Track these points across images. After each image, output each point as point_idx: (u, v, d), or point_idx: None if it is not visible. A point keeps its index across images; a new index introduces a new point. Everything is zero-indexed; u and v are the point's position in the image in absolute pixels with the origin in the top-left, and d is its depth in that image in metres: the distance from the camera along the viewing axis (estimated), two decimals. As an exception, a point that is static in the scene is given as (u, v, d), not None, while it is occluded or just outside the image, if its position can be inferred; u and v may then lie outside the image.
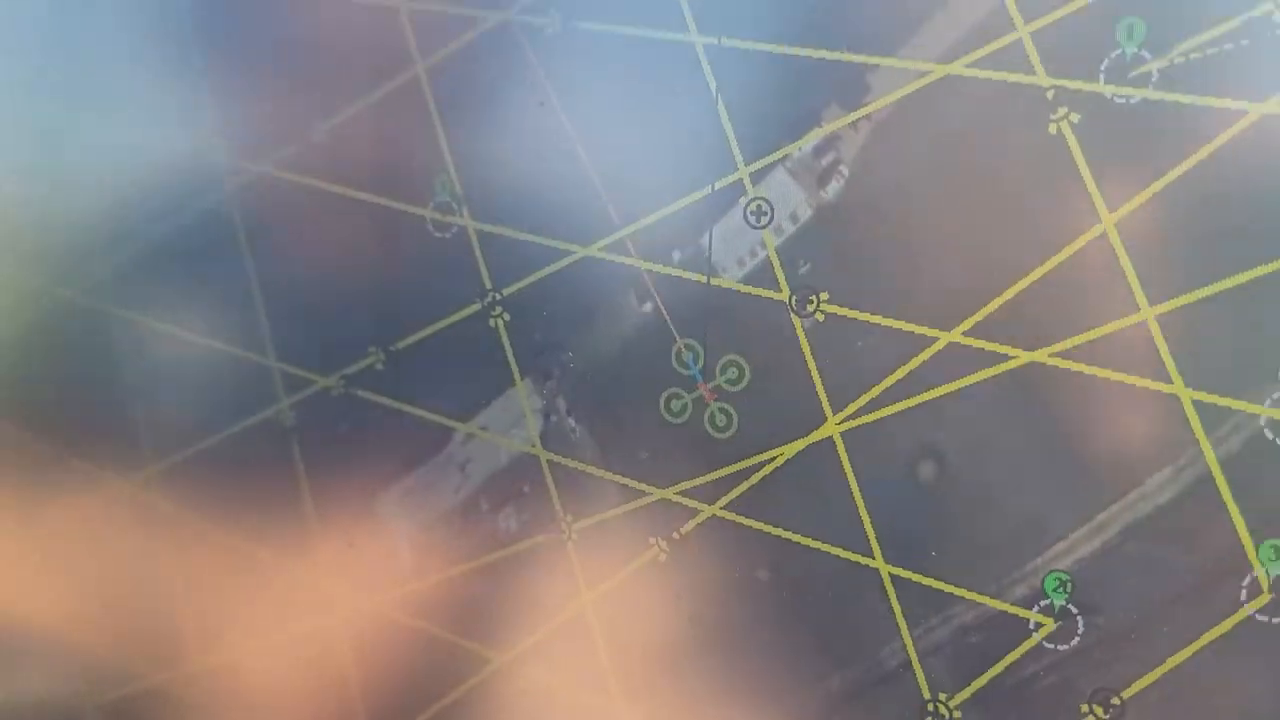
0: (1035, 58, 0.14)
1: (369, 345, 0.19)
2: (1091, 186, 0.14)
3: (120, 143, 0.21)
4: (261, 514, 0.20)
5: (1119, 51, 0.14)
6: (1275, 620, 0.13)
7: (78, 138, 0.21)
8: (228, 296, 0.20)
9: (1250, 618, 0.13)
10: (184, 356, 0.20)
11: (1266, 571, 0.13)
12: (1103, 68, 0.14)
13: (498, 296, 0.18)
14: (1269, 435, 0.13)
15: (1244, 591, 0.13)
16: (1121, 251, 0.14)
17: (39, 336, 0.22)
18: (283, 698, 0.20)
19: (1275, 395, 0.13)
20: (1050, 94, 0.14)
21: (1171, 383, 0.13)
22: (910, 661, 0.15)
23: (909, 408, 0.15)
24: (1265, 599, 0.13)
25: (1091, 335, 0.14)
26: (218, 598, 0.21)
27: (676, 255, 0.16)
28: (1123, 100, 0.14)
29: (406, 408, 0.19)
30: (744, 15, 0.16)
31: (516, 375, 0.17)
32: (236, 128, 0.20)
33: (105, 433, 0.21)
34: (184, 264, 0.20)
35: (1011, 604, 0.15)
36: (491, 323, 0.18)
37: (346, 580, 0.19)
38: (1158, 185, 0.13)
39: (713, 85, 0.16)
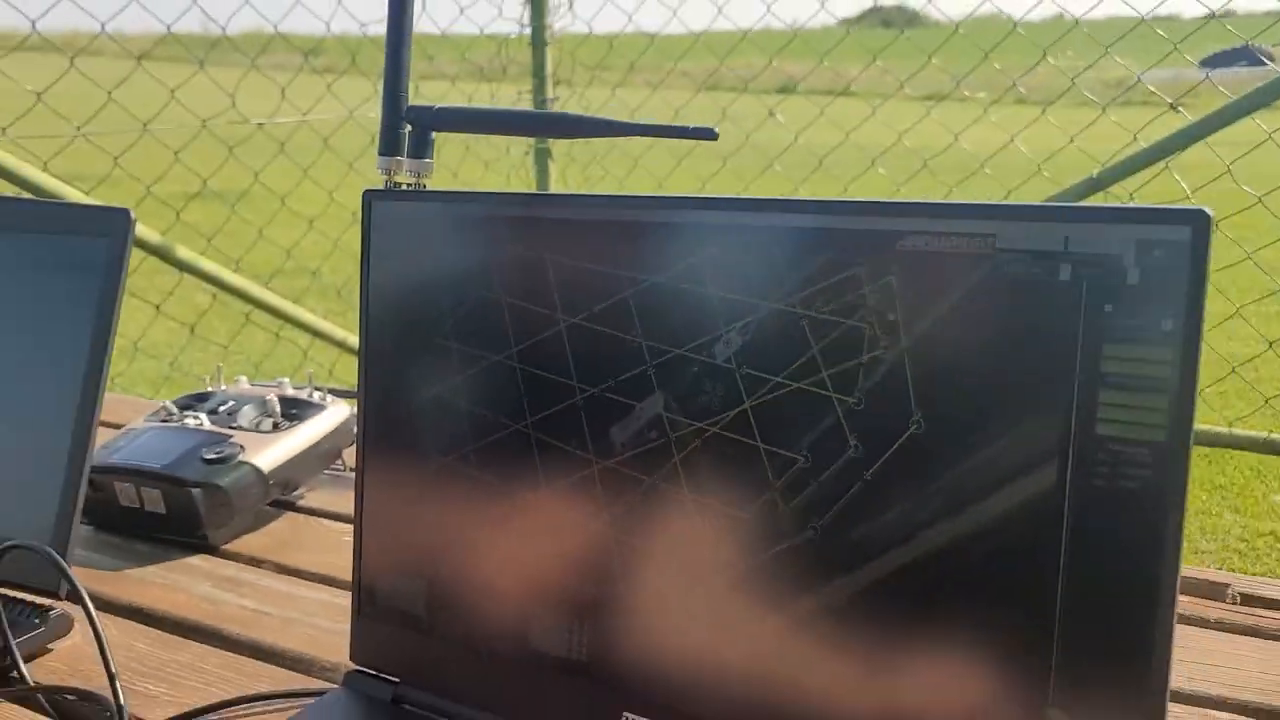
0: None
1: (608, 382, 0.58)
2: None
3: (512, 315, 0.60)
4: (558, 446, 0.59)
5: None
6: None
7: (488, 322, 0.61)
8: (556, 385, 0.59)
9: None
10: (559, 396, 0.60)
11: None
12: (814, 308, 0.51)
13: (653, 364, 0.56)
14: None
15: (851, 450, 0.51)
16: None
17: (462, 379, 0.61)
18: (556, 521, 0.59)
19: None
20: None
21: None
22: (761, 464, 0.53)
23: (765, 402, 0.52)
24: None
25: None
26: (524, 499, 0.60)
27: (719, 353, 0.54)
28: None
29: (625, 400, 0.57)
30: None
31: (656, 389, 0.56)
32: (569, 295, 0.59)
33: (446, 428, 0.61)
34: (544, 361, 0.59)
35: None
36: (649, 373, 0.56)
37: (594, 454, 0.58)
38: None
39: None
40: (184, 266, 2.22)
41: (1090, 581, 0.45)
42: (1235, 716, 0.66)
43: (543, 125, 0.70)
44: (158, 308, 2.36)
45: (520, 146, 3.15)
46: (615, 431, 0.57)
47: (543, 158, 3.11)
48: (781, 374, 0.52)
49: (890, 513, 0.50)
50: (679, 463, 0.55)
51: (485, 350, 0.62)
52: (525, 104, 3.16)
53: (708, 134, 0.56)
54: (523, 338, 0.60)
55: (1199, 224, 0.43)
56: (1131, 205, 0.43)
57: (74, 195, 1.96)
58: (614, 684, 0.58)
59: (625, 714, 0.57)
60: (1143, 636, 0.44)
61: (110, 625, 0.79)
